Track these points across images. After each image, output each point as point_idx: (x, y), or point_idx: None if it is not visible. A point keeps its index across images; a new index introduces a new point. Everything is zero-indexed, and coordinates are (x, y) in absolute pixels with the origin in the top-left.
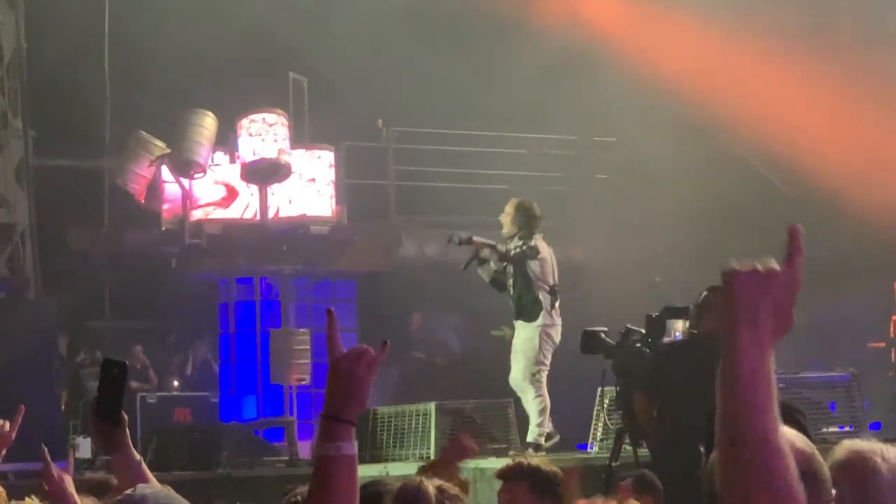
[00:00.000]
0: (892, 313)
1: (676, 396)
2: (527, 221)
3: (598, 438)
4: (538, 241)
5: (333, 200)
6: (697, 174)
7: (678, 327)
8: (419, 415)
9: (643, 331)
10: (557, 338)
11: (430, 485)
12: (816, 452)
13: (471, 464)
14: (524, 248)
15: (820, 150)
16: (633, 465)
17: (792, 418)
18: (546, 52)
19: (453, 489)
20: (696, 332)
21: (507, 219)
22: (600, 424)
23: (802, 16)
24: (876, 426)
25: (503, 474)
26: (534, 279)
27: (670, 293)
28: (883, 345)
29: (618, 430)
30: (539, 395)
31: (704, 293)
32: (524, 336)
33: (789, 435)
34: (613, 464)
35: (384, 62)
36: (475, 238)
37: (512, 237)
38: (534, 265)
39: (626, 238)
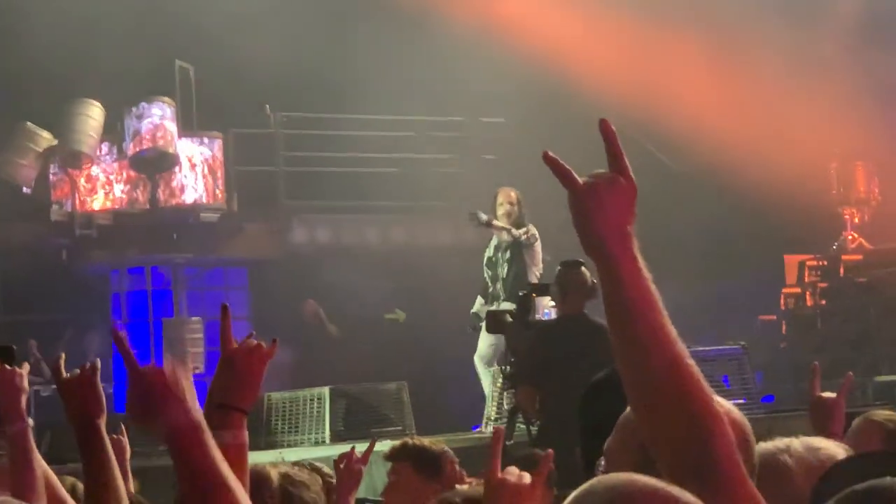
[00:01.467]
0: (783, 286)
1: (552, 378)
2: (523, 210)
3: (492, 418)
4: (532, 228)
5: (222, 188)
6: (586, 153)
7: (546, 304)
8: (313, 399)
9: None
10: None
11: (275, 470)
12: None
13: (366, 446)
14: (529, 234)
15: (709, 125)
16: (529, 443)
17: None
18: (432, 34)
19: (300, 475)
20: (562, 311)
21: (513, 209)
22: (494, 404)
23: None
24: (769, 398)
25: (390, 455)
26: (529, 265)
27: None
28: (774, 318)
29: (511, 408)
30: None
31: (559, 269)
32: None
33: (724, 405)
34: (507, 443)
35: (271, 48)
36: (494, 221)
37: (518, 225)
38: (531, 251)
39: None
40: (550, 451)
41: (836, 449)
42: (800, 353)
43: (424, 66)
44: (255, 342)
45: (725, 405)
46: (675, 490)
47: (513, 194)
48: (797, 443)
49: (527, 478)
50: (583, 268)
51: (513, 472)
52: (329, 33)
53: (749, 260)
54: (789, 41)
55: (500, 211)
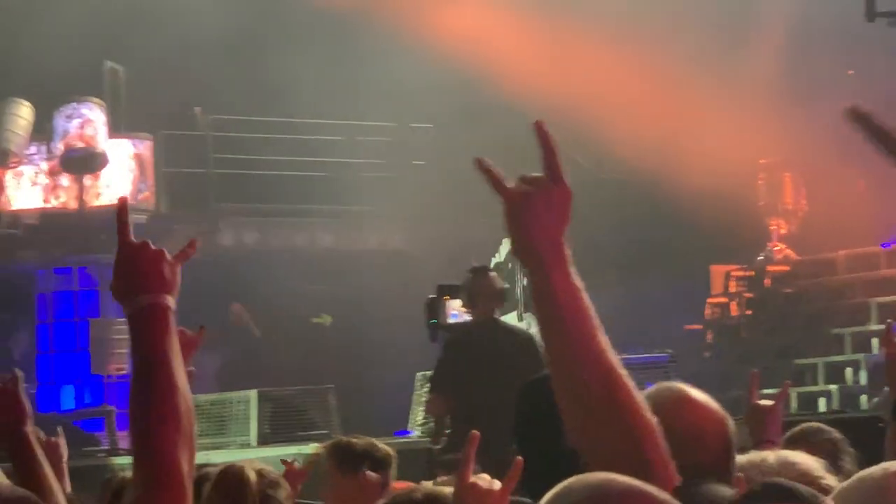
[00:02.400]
0: (708, 296)
1: (464, 384)
2: None
3: (418, 423)
4: None
5: (152, 189)
6: (512, 157)
7: (455, 307)
8: (240, 402)
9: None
10: None
11: (251, 470)
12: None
13: (292, 449)
14: None
15: (637, 134)
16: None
17: None
18: (363, 40)
19: (273, 474)
20: (472, 317)
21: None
22: (420, 409)
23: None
24: None
25: (322, 454)
26: None
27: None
28: (699, 327)
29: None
30: None
31: (468, 275)
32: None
33: (702, 398)
34: (435, 447)
35: (201, 50)
36: None
37: None
38: None
39: (445, 223)
40: (520, 458)
41: (812, 463)
42: (724, 362)
43: (355, 71)
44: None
45: (703, 397)
46: (654, 489)
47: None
48: (772, 457)
49: (497, 484)
50: (491, 273)
51: (484, 478)
52: (260, 37)
53: (675, 269)
54: (718, 52)
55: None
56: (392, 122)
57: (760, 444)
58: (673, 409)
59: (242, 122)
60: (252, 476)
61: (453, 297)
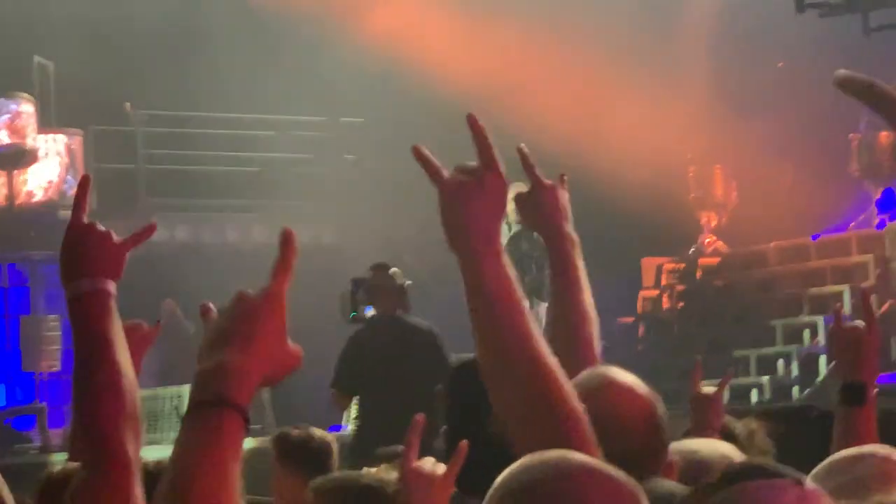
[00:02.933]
0: (640, 289)
1: (366, 380)
2: None
3: (353, 417)
4: None
5: None
6: (446, 154)
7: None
8: (173, 398)
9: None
10: None
11: None
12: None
13: None
14: None
15: (567, 127)
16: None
17: None
18: (294, 34)
19: None
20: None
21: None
22: (356, 405)
23: None
24: None
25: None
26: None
27: (421, 272)
28: (632, 320)
29: None
30: None
31: (369, 271)
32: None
33: (630, 380)
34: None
35: (131, 45)
36: None
37: None
38: None
39: (376, 218)
40: (464, 442)
41: (737, 453)
42: (657, 355)
43: (285, 65)
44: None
45: (631, 380)
46: (611, 467)
47: (516, 191)
48: (678, 447)
49: (441, 468)
50: (392, 270)
51: (428, 461)
52: (191, 32)
53: (607, 262)
54: (648, 44)
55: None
56: (323, 117)
57: (702, 430)
58: (598, 394)
59: (173, 118)
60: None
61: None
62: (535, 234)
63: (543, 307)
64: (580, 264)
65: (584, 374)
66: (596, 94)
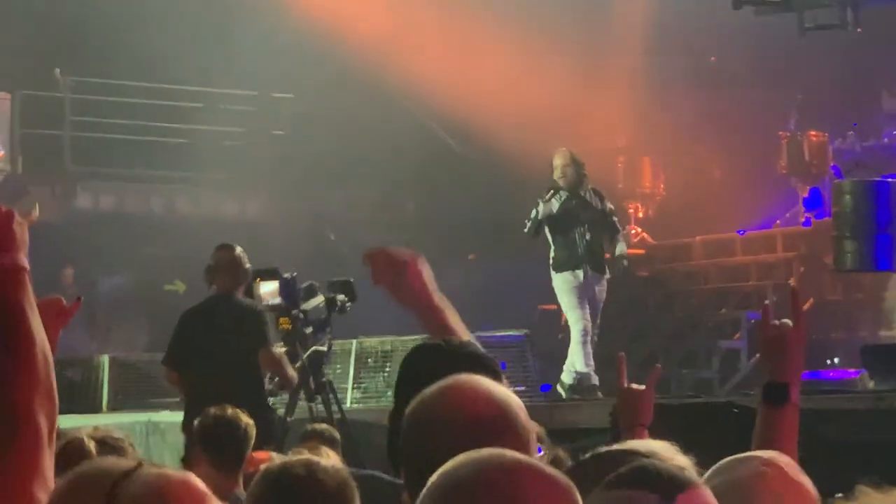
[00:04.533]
0: None
1: (193, 357)
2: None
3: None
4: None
5: (8, 149)
6: (373, 132)
7: (269, 290)
8: (91, 367)
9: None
10: None
11: (91, 440)
12: (512, 403)
13: (143, 416)
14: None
15: (498, 112)
16: (308, 419)
17: (494, 373)
18: (227, 7)
19: (118, 442)
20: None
21: (570, 168)
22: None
23: None
24: (546, 387)
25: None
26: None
27: (344, 250)
28: (554, 307)
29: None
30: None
31: (214, 252)
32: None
33: (501, 389)
34: (288, 418)
35: (64, 9)
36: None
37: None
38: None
39: (302, 194)
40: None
41: (662, 448)
42: None
43: (217, 38)
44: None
45: (501, 389)
46: (543, 464)
47: (567, 153)
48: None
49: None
50: (236, 251)
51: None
52: (124, 0)
53: (532, 249)
54: (581, 36)
55: (555, 175)
56: (253, 91)
57: (632, 428)
58: (444, 395)
59: (102, 86)
60: (92, 448)
61: (264, 279)
62: (588, 195)
63: (601, 282)
64: (450, 319)
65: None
66: (525, 82)
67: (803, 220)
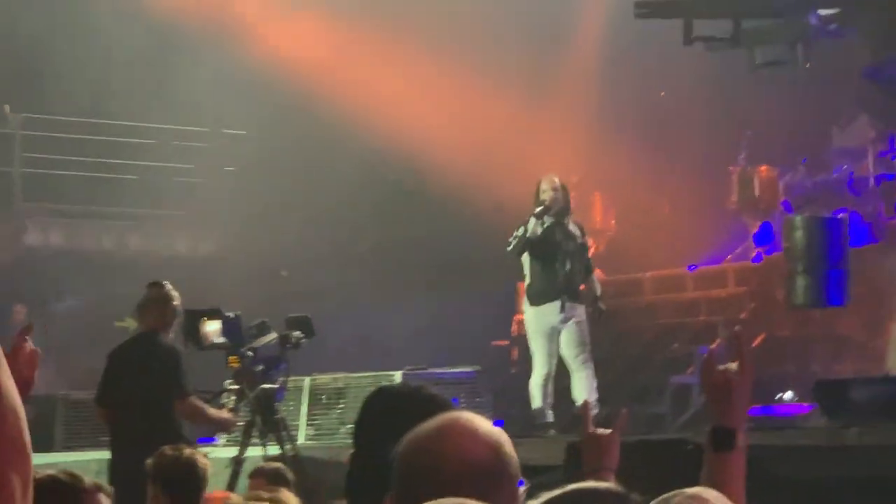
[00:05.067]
0: (515, 312)
1: (117, 396)
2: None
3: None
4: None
5: None
6: (325, 168)
7: (216, 328)
8: (44, 405)
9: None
10: None
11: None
12: (504, 444)
13: (95, 455)
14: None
15: (446, 148)
16: (262, 457)
17: (441, 407)
18: (178, 45)
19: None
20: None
21: (559, 193)
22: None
23: (425, 11)
24: (499, 423)
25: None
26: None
27: (296, 286)
28: (506, 343)
29: (247, 423)
30: (593, 369)
31: (146, 289)
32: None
33: (476, 424)
34: (242, 456)
35: (11, 47)
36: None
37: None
38: None
39: (253, 231)
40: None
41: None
42: (529, 378)
43: (169, 75)
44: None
45: (493, 429)
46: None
47: (556, 180)
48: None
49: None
50: (164, 289)
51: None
52: (75, 36)
53: (483, 285)
54: (532, 72)
55: (544, 197)
56: (205, 128)
57: (597, 472)
58: (441, 434)
59: (52, 122)
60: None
61: (210, 318)
62: (572, 226)
63: (578, 309)
64: None
65: (436, 418)
66: (481, 118)
67: (754, 255)
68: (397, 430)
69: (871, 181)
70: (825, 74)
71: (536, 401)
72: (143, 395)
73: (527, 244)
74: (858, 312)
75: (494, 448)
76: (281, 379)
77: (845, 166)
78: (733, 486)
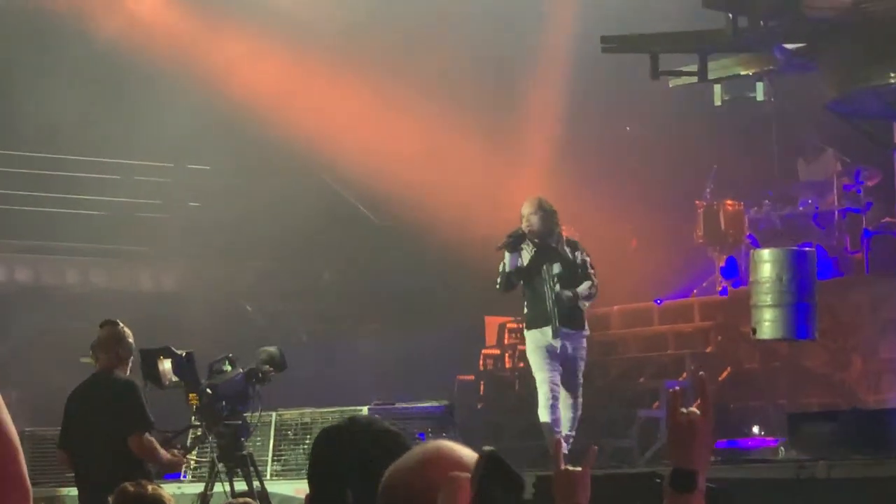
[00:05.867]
0: (482, 347)
1: (73, 437)
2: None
3: (191, 467)
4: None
5: None
6: (289, 202)
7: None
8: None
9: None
10: None
11: None
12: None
13: (63, 491)
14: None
15: (414, 183)
16: (229, 493)
17: (404, 447)
18: (142, 80)
19: None
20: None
21: (540, 216)
22: (194, 453)
23: (388, 44)
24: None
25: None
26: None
27: (261, 321)
28: (472, 378)
29: (212, 459)
30: (580, 402)
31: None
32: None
33: (461, 453)
34: (209, 492)
35: None
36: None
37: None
38: None
39: (218, 266)
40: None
41: None
42: (496, 413)
43: (132, 110)
44: None
45: (460, 455)
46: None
47: (537, 202)
48: None
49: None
50: (118, 326)
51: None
52: (39, 70)
53: (450, 319)
54: (495, 104)
55: (523, 223)
56: (168, 163)
57: None
58: (428, 465)
59: (15, 158)
60: None
61: (165, 357)
62: (560, 247)
63: (573, 336)
64: None
65: (417, 448)
66: (443, 150)
67: (720, 289)
68: (349, 468)
69: (837, 215)
70: (790, 109)
71: (544, 417)
72: (104, 435)
73: (514, 276)
74: (825, 346)
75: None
76: (246, 415)
77: (811, 200)
78: None
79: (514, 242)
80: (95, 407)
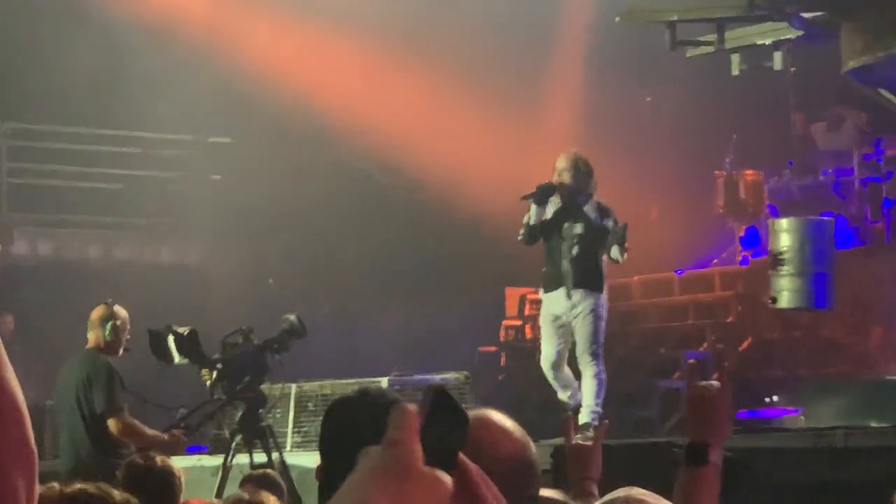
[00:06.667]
0: (503, 318)
1: (57, 412)
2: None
3: (210, 439)
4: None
5: None
6: (312, 178)
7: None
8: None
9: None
10: None
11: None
12: (530, 442)
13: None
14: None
15: (436, 156)
16: (248, 465)
17: None
18: (161, 53)
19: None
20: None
21: (572, 172)
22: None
23: (407, 22)
24: None
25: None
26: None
27: (284, 296)
28: (494, 349)
29: (232, 431)
30: (601, 370)
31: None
32: (597, 304)
33: (506, 422)
34: (228, 464)
35: (0, 56)
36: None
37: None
38: None
39: (240, 239)
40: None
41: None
42: (518, 385)
43: (154, 83)
44: None
45: (506, 424)
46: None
47: (571, 157)
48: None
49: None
50: (109, 307)
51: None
52: (61, 44)
53: (471, 291)
54: (511, 77)
55: (554, 177)
56: (189, 136)
57: (581, 481)
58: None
59: (38, 132)
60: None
61: (169, 336)
62: (589, 208)
63: (589, 298)
64: None
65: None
66: (462, 122)
67: (740, 258)
68: (360, 440)
69: (857, 184)
70: (810, 78)
71: (561, 394)
72: (82, 410)
73: (536, 230)
74: (843, 316)
75: (526, 446)
76: (264, 386)
77: (831, 170)
78: (705, 501)
79: (542, 194)
80: (76, 384)
